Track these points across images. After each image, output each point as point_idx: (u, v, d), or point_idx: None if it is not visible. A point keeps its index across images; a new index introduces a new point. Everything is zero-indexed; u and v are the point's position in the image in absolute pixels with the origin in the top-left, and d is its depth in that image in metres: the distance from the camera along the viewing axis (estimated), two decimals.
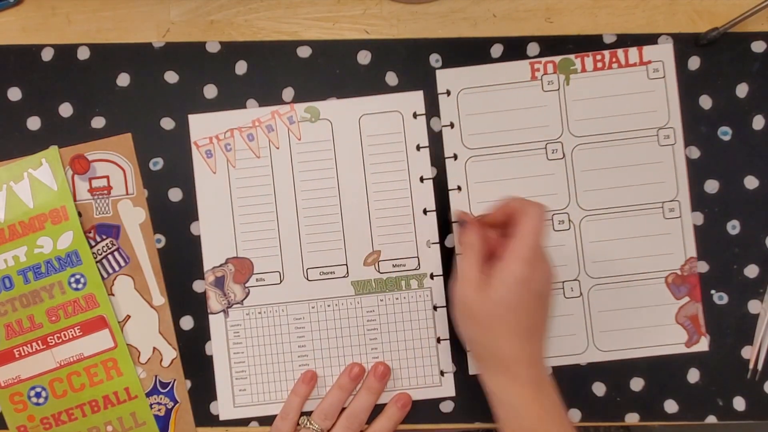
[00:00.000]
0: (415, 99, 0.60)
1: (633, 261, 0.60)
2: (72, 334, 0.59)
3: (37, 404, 0.59)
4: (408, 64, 0.60)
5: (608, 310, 0.60)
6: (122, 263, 0.59)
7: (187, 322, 0.60)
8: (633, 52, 0.60)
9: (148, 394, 0.59)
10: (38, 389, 0.59)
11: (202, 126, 0.60)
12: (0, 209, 0.58)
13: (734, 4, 0.60)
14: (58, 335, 0.59)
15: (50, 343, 0.59)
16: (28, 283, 0.58)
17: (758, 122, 0.60)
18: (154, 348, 0.60)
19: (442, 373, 0.60)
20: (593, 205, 0.60)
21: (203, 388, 0.60)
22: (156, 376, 0.60)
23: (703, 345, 0.60)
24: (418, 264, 0.60)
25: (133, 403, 0.59)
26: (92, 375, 0.59)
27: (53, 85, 0.60)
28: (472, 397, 0.60)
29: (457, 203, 0.60)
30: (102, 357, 0.59)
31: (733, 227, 0.60)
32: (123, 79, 0.60)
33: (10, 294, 0.58)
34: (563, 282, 0.60)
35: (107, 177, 0.60)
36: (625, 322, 0.60)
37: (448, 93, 0.60)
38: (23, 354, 0.59)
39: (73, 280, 0.58)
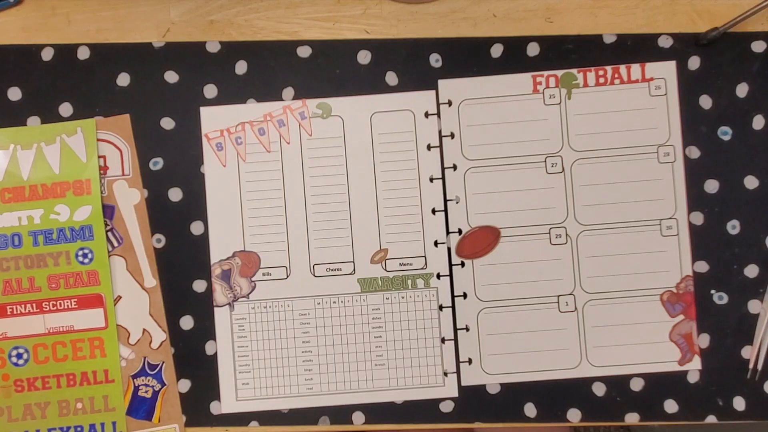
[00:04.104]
0: (427, 98, 0.60)
1: (629, 277, 0.60)
2: (67, 305, 0.59)
3: (16, 365, 0.59)
4: (408, 64, 0.60)
5: (602, 326, 0.60)
6: (115, 243, 0.59)
7: (187, 322, 0.60)
8: (635, 68, 0.60)
9: (136, 376, 0.59)
10: (21, 350, 0.59)
11: (213, 119, 0.60)
12: (26, 167, 0.58)
13: (734, 4, 0.60)
14: (54, 303, 0.59)
15: (44, 309, 0.59)
16: (36, 246, 0.59)
17: (758, 122, 0.60)
18: (144, 329, 0.60)
19: (445, 374, 0.60)
20: (591, 220, 0.60)
21: (203, 388, 0.60)
22: (145, 358, 0.60)
23: (696, 363, 0.60)
24: (425, 263, 0.60)
25: (108, 386, 0.59)
26: (77, 349, 0.59)
27: (53, 85, 0.60)
28: (472, 397, 0.60)
29: (455, 214, 0.60)
30: (91, 334, 0.59)
31: (733, 227, 0.60)
32: (123, 79, 0.60)
33: (17, 252, 0.59)
34: (558, 296, 0.60)
35: (104, 157, 0.60)
36: (619, 338, 0.60)
37: (450, 103, 0.60)
38: (15, 312, 0.59)
39: (81, 253, 0.59)
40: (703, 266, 0.60)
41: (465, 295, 0.60)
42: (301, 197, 0.60)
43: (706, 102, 0.60)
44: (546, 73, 0.60)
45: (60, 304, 0.59)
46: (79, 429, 0.59)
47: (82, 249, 0.59)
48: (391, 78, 0.60)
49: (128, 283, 0.60)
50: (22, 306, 0.59)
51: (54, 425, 0.59)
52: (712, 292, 0.60)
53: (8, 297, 0.59)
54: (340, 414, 0.60)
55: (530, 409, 0.60)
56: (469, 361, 0.60)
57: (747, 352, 0.60)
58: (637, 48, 0.60)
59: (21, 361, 0.59)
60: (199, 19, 0.61)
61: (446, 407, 0.60)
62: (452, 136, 0.60)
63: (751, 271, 0.60)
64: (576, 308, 0.60)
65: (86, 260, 0.59)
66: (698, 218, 0.60)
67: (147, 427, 0.60)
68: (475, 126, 0.60)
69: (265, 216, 0.60)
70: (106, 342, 0.59)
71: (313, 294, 0.60)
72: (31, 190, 0.59)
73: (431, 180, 0.60)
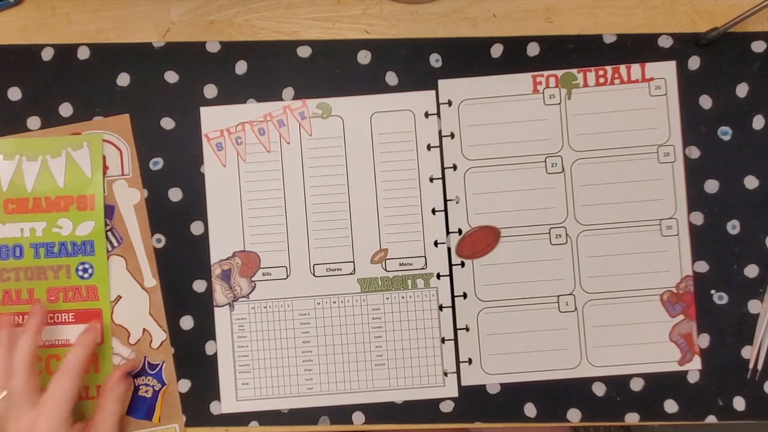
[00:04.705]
0: (427, 98, 0.60)
1: (629, 277, 0.60)
2: (65, 319, 0.59)
3: None
4: (408, 64, 0.60)
5: (602, 326, 0.60)
6: (115, 243, 0.59)
7: (187, 322, 0.60)
8: (635, 68, 0.60)
9: (136, 375, 0.59)
10: None
11: (213, 119, 0.60)
12: (31, 179, 0.59)
13: (734, 4, 0.60)
14: (51, 316, 0.59)
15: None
16: (37, 258, 0.59)
17: (758, 122, 0.60)
18: (144, 329, 0.60)
19: (445, 374, 0.60)
20: (591, 220, 0.60)
21: (203, 388, 0.60)
22: (145, 358, 0.60)
23: (696, 363, 0.60)
24: (425, 263, 0.60)
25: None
26: None
27: (53, 85, 0.60)
28: (472, 397, 0.60)
29: (455, 214, 0.60)
30: None
31: (733, 227, 0.60)
32: (123, 79, 0.60)
33: (18, 263, 0.59)
34: (558, 296, 0.60)
35: (104, 157, 0.60)
36: (619, 338, 0.60)
37: (450, 103, 0.60)
38: (12, 323, 0.58)
39: (81, 267, 0.59)
40: (703, 266, 0.60)
41: (465, 295, 0.60)
42: (301, 197, 0.60)
43: (706, 102, 0.60)
44: (546, 73, 0.60)
45: (57, 317, 0.59)
46: None
47: (82, 264, 0.59)
48: (391, 78, 0.60)
49: (128, 283, 0.60)
50: (20, 317, 0.59)
51: None
52: (712, 292, 0.60)
53: (7, 307, 0.59)
54: (340, 414, 0.60)
55: (530, 409, 0.60)
56: (469, 361, 0.60)
57: (747, 352, 0.60)
58: (637, 48, 0.60)
59: None
60: (199, 19, 0.61)
61: (446, 407, 0.60)
62: (452, 136, 0.60)
63: (751, 271, 0.60)
64: (576, 308, 0.60)
65: (86, 275, 0.59)
66: (698, 218, 0.60)
67: (147, 426, 0.60)
68: (475, 126, 0.60)
69: (265, 216, 0.60)
70: (99, 358, 0.59)
71: (313, 294, 0.60)
72: (35, 203, 0.59)
73: (431, 180, 0.60)
